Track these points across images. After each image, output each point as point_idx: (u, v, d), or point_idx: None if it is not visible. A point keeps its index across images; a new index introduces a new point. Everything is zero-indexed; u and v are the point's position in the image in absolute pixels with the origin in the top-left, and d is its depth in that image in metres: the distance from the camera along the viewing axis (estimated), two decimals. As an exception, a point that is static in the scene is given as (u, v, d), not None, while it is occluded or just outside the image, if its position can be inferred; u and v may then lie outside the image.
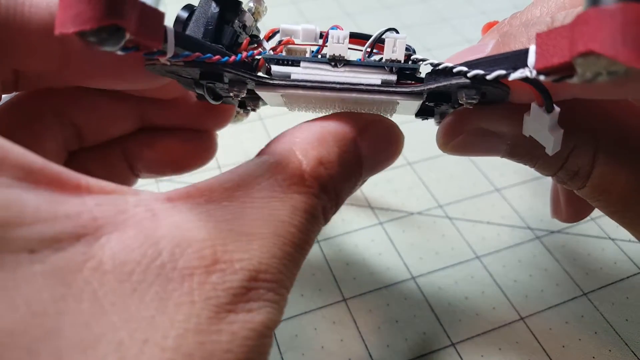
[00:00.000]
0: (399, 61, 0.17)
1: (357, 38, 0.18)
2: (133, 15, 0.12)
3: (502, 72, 0.15)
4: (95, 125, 0.22)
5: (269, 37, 0.19)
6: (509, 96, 0.17)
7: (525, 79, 0.14)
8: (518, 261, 0.30)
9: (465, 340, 0.27)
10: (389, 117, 0.19)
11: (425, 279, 0.29)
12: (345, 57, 0.17)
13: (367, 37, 0.18)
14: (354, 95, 0.17)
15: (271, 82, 0.17)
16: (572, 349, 0.26)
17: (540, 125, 0.16)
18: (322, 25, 0.18)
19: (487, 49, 0.18)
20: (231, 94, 0.17)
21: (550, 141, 0.16)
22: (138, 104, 0.23)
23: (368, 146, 0.17)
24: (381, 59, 0.18)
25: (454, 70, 0.16)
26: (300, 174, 0.15)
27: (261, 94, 0.18)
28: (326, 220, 0.16)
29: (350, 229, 0.32)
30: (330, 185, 0.15)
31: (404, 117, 0.42)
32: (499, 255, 0.30)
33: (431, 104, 0.19)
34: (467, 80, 0.16)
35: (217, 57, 0.16)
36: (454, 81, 0.16)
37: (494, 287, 0.29)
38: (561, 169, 0.18)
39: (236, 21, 0.18)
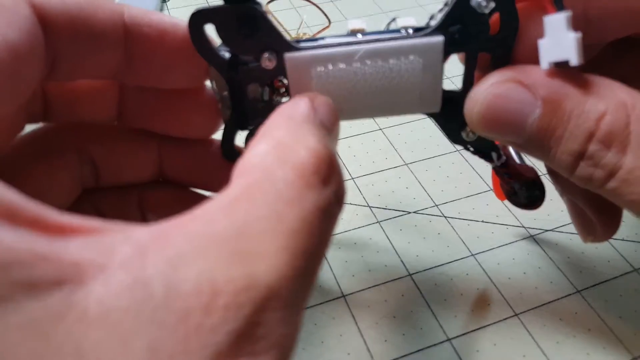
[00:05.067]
0: (413, 26, 0.20)
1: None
2: None
3: None
4: (114, 166, 0.22)
5: None
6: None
7: None
8: (512, 259, 0.31)
9: (461, 336, 0.27)
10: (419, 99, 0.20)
11: (421, 276, 0.30)
12: (365, 29, 0.20)
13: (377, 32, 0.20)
14: (379, 45, 0.19)
15: (304, 46, 0.19)
16: (566, 345, 0.27)
17: (555, 36, 0.16)
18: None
19: None
20: (262, 60, 0.19)
21: (572, 47, 0.16)
22: (157, 150, 0.23)
23: (321, 111, 0.17)
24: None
25: None
26: (303, 170, 0.13)
27: (291, 75, 0.20)
28: (340, 207, 0.14)
29: (349, 227, 0.33)
30: (323, 167, 0.14)
31: (402, 118, 0.42)
32: (493, 253, 0.31)
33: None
34: None
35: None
36: None
37: (488, 284, 0.29)
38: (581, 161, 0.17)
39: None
